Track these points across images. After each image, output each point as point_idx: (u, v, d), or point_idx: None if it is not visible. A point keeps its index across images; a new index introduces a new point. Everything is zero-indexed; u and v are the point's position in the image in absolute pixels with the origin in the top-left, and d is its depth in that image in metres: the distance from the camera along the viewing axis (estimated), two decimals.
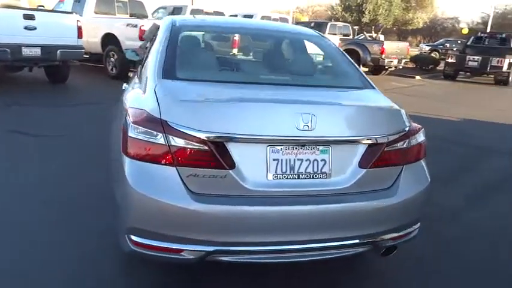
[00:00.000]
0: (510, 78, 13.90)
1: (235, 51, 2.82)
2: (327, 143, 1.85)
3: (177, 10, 11.98)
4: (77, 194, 3.03)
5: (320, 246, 1.87)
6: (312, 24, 15.48)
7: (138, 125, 1.79)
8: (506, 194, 3.85)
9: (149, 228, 1.78)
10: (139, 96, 2.10)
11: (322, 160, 1.86)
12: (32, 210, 2.78)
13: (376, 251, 2.06)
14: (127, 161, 1.80)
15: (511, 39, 15.06)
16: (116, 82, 8.98)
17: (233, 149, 1.75)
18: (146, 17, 10.68)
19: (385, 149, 1.93)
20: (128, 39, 8.88)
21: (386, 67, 13.69)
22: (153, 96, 1.94)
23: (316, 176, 1.85)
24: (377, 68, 13.81)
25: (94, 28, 9.38)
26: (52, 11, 8.97)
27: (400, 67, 14.46)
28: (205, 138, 1.72)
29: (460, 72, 15.12)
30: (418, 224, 2.13)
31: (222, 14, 12.45)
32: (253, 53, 2.89)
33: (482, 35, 16.32)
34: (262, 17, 13.47)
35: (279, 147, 1.80)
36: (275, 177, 1.81)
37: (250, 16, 13.46)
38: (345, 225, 1.88)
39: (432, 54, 22.51)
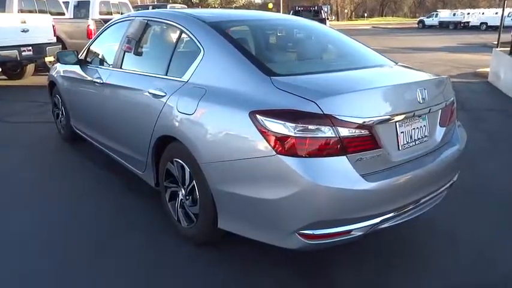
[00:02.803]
0: None
1: (278, 43, 2.85)
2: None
3: None
4: None
5: (434, 195, 2.29)
6: (150, 8, 14.98)
7: (303, 123, 1.82)
8: None
9: (328, 218, 1.88)
10: (249, 97, 2.03)
11: (423, 126, 2.25)
12: None
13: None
14: (293, 160, 1.82)
15: (322, 11, 17.79)
16: None
17: (379, 129, 1.98)
18: None
19: (451, 109, 2.45)
20: None
21: None
22: (282, 93, 1.96)
23: (423, 140, 2.24)
24: None
25: None
26: None
27: None
28: (367, 124, 1.90)
29: None
30: None
31: None
32: (292, 43, 2.96)
33: (298, 8, 18.69)
34: (101, 2, 12.31)
35: (403, 121, 2.10)
36: (403, 147, 2.12)
37: (87, 1, 12.13)
38: (445, 173, 2.34)
39: None
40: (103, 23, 10.00)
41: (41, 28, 8.08)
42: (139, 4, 16.30)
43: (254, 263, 2.32)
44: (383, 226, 2.06)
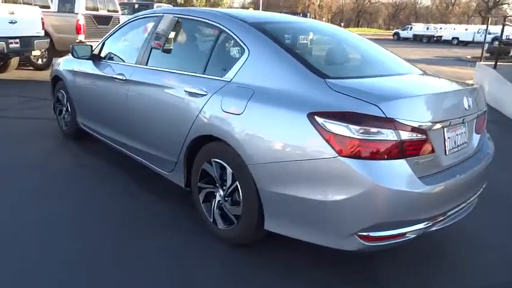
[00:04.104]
0: None
1: (317, 46, 2.86)
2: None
3: None
4: None
5: (471, 201, 2.36)
6: (136, 6, 14.75)
7: (366, 126, 1.84)
8: None
9: (388, 219, 1.89)
10: (305, 99, 2.03)
11: (464, 132, 2.31)
12: None
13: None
14: (356, 162, 1.84)
15: (307, 15, 18.04)
16: None
17: (431, 134, 2.02)
18: None
19: (483, 117, 2.54)
20: None
21: None
22: (340, 96, 1.97)
23: (463, 146, 2.30)
24: None
25: None
26: None
27: None
28: (424, 128, 1.94)
29: None
30: None
31: None
32: (331, 46, 2.95)
33: (283, 13, 18.90)
34: None
35: (449, 127, 2.16)
36: (449, 152, 2.17)
37: None
38: (480, 179, 2.42)
39: None
40: (92, 19, 9.76)
41: (29, 20, 7.77)
42: (125, 1, 15.84)
43: (291, 265, 2.30)
44: (432, 229, 2.10)
